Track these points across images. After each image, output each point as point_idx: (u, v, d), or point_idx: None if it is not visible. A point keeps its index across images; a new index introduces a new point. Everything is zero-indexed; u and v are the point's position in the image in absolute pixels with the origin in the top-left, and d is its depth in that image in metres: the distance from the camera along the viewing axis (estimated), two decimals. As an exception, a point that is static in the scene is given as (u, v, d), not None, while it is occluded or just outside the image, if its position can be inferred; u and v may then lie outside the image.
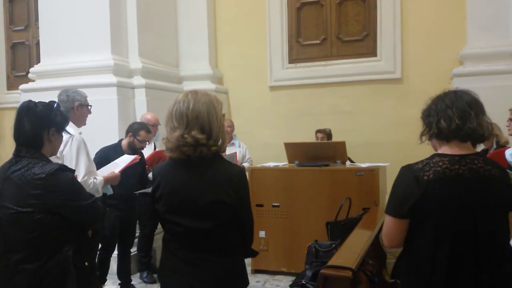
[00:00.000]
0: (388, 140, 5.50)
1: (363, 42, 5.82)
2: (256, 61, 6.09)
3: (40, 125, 2.07)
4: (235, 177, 1.83)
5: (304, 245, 3.65)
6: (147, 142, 4.08)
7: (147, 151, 4.41)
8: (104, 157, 3.72)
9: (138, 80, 5.19)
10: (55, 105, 2.17)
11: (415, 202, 1.68)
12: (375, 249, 3.63)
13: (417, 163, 1.75)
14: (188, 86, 6.00)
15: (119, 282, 4.09)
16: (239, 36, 6.18)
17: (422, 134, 1.83)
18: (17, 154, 2.06)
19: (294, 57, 6.03)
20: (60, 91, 3.29)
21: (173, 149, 1.80)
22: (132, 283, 4.16)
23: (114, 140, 4.65)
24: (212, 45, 6.23)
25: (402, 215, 1.73)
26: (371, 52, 5.75)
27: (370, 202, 4.12)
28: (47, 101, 2.19)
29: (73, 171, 2.15)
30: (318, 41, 5.94)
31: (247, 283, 1.95)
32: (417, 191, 1.68)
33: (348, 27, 5.87)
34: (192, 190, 1.79)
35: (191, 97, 1.82)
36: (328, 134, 5.33)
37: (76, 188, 2.09)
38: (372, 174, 4.28)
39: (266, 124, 6.04)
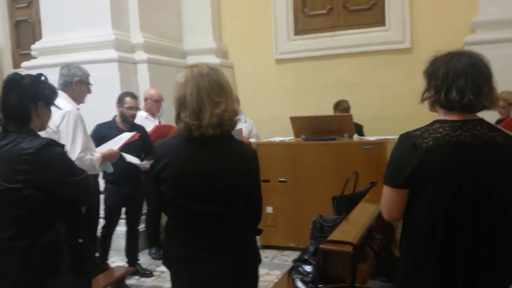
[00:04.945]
0: (397, 113, 5.35)
1: (370, 11, 5.62)
2: (261, 34, 5.94)
3: (27, 99, 2.00)
4: (250, 158, 1.76)
5: (311, 220, 3.59)
6: (137, 108, 4.04)
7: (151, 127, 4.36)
8: (99, 133, 3.68)
9: (140, 55, 5.09)
10: (43, 78, 2.09)
11: (413, 170, 1.57)
12: (383, 223, 3.57)
13: (415, 130, 1.64)
14: (192, 60, 5.88)
15: (126, 260, 4.08)
16: (243, 8, 6.02)
17: (424, 96, 1.69)
18: (4, 128, 1.99)
19: (300, 29, 5.86)
20: (62, 65, 3.26)
21: (215, 126, 1.67)
22: (139, 261, 4.16)
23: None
24: (215, 18, 6.08)
25: (400, 185, 1.62)
26: (379, 21, 5.56)
27: (378, 176, 4.00)
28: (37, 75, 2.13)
29: (62, 146, 2.07)
30: (324, 11, 5.76)
31: (260, 260, 1.91)
32: (415, 159, 1.57)
33: (356, -5, 5.69)
34: (206, 173, 1.68)
35: (213, 69, 1.74)
36: (346, 109, 5.05)
37: (66, 163, 2.03)
38: (380, 147, 4.19)
39: (272, 98, 5.92)
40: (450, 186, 1.56)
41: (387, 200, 1.68)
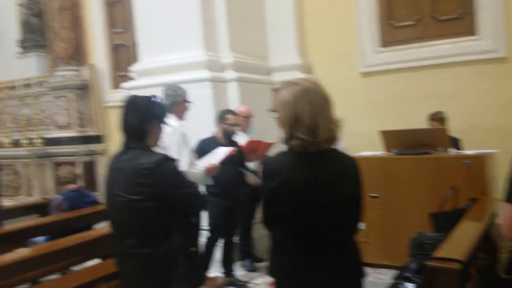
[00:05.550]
0: (494, 125, 5.08)
1: (461, 21, 5.41)
2: (345, 48, 5.91)
3: (144, 118, 2.19)
4: (356, 166, 1.82)
5: (406, 237, 3.50)
6: (237, 125, 4.23)
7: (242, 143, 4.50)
8: (203, 148, 3.87)
9: (229, 74, 5.28)
10: (156, 99, 2.27)
11: None
12: (486, 242, 3.39)
13: None
14: (277, 77, 6.00)
15: (222, 271, 4.21)
16: (327, 23, 6.03)
17: None
18: (125, 145, 2.19)
19: (386, 41, 5.77)
20: (164, 85, 3.54)
21: (329, 140, 1.74)
22: (233, 272, 4.27)
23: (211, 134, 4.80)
24: (299, 34, 6.15)
25: None
26: (470, 30, 5.33)
27: (477, 192, 3.84)
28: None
29: (175, 160, 2.23)
30: (411, 22, 5.64)
31: (365, 274, 1.93)
32: None
33: (443, 5, 5.49)
34: (324, 185, 1.72)
35: (316, 84, 1.79)
36: (442, 120, 4.88)
37: (180, 176, 2.19)
38: (479, 161, 3.99)
39: (359, 112, 5.85)
40: None
41: (509, 218, 1.61)
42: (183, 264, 2.08)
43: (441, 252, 2.41)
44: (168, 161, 2.14)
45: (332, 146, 1.79)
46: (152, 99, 2.27)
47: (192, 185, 2.22)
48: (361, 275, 1.90)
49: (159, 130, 2.29)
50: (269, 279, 4.21)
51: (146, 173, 2.04)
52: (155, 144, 2.29)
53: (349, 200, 1.77)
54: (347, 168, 1.80)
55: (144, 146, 2.18)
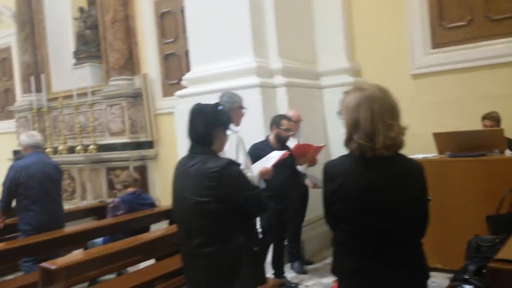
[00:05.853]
0: (553, 125, 4.91)
1: (515, 19, 5.28)
2: (395, 50, 5.86)
3: (210, 125, 2.30)
4: (421, 172, 1.83)
5: (460, 240, 3.43)
6: (291, 130, 4.28)
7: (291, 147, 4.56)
8: (256, 152, 3.96)
9: (278, 79, 5.35)
10: (221, 107, 2.39)
11: None
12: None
13: None
14: (325, 81, 6.04)
15: (273, 272, 4.27)
16: (376, 25, 6.00)
17: None
18: (192, 151, 2.31)
19: (438, 42, 5.68)
20: (220, 92, 3.65)
21: (388, 147, 1.74)
22: (284, 274, 4.32)
23: (261, 138, 4.90)
24: (348, 37, 6.14)
25: None
26: (527, 29, 5.20)
27: (537, 194, 3.72)
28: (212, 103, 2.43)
29: (239, 164, 2.34)
30: (464, 23, 5.53)
31: (429, 276, 1.94)
32: None
33: (497, 4, 5.36)
34: (383, 190, 1.75)
35: (384, 91, 1.83)
36: (496, 119, 4.82)
37: (244, 179, 2.29)
38: (537, 163, 3.87)
39: (410, 115, 5.63)
40: None
41: None
42: (247, 263, 2.17)
43: (502, 254, 2.36)
44: (233, 165, 2.26)
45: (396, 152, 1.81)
46: (219, 107, 2.39)
47: (255, 188, 2.33)
48: (424, 278, 1.90)
49: (224, 136, 2.41)
50: (320, 280, 4.27)
51: (213, 176, 2.16)
52: (221, 150, 2.42)
53: (412, 204, 1.78)
54: (410, 173, 1.81)
55: (210, 151, 2.30)
